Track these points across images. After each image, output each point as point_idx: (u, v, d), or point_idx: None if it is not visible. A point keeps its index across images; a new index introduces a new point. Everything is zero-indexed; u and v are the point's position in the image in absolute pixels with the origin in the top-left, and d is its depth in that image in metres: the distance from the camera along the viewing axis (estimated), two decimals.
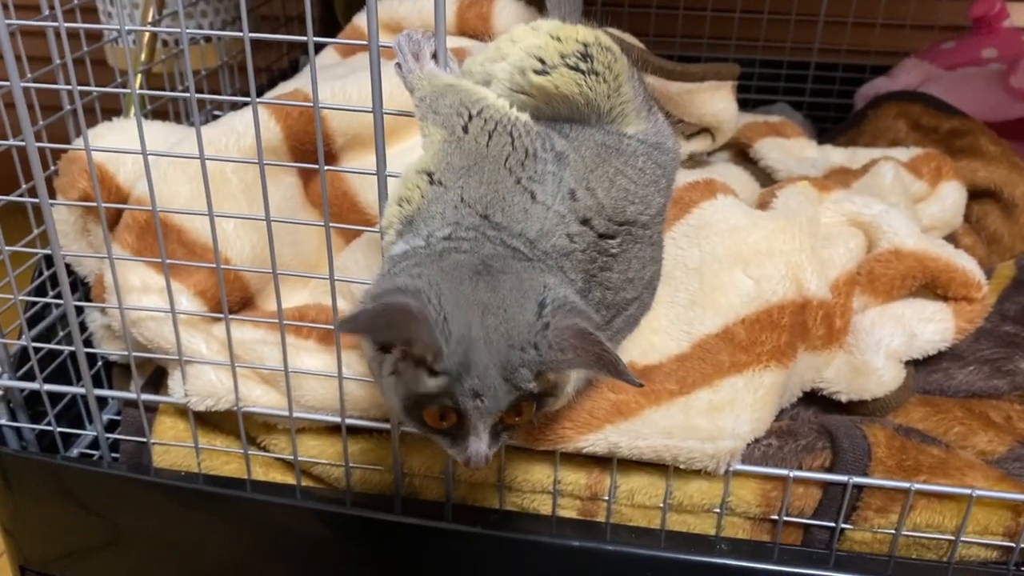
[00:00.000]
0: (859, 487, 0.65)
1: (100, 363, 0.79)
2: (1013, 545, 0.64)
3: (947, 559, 0.65)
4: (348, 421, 0.66)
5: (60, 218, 0.73)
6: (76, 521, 0.74)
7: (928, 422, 0.71)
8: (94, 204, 0.63)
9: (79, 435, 0.78)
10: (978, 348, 0.76)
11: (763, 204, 0.78)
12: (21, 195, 0.69)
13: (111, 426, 0.79)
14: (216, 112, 1.00)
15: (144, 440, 0.72)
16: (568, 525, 0.67)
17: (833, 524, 0.65)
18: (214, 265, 0.62)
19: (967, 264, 0.76)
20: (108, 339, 0.76)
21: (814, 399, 0.74)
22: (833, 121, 1.27)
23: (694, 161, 0.96)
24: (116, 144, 0.72)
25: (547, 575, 0.67)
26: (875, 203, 0.79)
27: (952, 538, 0.64)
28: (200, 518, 0.72)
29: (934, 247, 0.76)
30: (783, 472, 0.64)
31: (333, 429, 0.69)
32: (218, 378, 0.67)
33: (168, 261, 0.63)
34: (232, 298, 0.71)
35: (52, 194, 0.71)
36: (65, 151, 0.72)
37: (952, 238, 0.91)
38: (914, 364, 0.76)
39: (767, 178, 0.96)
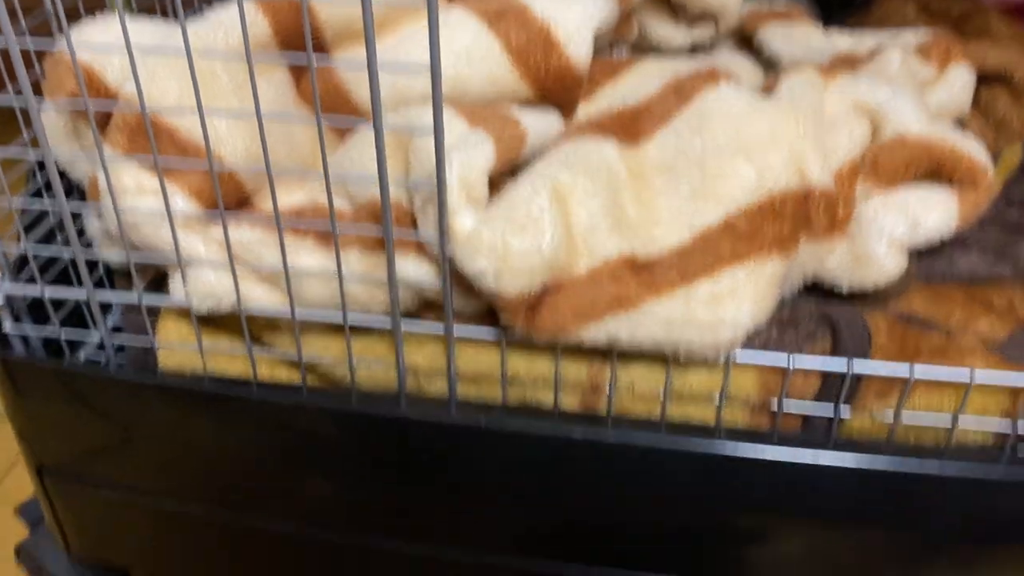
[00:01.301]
0: (859, 375, 0.65)
1: (102, 269, 0.79)
2: (1009, 432, 0.65)
3: (945, 443, 0.66)
4: (350, 319, 0.67)
5: (49, 122, 0.72)
6: (87, 424, 0.76)
7: (929, 309, 0.71)
8: (82, 108, 0.62)
9: (84, 342, 0.79)
10: (982, 234, 0.75)
11: (767, 92, 0.76)
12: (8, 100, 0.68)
13: (115, 332, 0.80)
14: (206, 5, 0.97)
15: (149, 344, 0.72)
16: (570, 417, 0.68)
17: (833, 410, 0.65)
18: (207, 164, 0.62)
19: (973, 150, 0.75)
20: (107, 244, 0.76)
21: (815, 288, 0.73)
22: (839, 6, 1.23)
23: (697, 49, 0.94)
24: (101, 43, 0.70)
25: (551, 466, 0.68)
26: (881, 89, 0.77)
27: (951, 422, 0.65)
28: (208, 418, 0.73)
29: (940, 132, 0.75)
30: (783, 360, 0.64)
31: (336, 328, 0.70)
32: (217, 279, 0.67)
33: (162, 159, 0.62)
34: (227, 199, 0.70)
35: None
36: (50, 52, 0.70)
37: (959, 123, 0.89)
38: (917, 251, 0.76)
39: (771, 66, 0.93)
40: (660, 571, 0.72)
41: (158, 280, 0.74)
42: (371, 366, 0.70)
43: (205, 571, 0.87)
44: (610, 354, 0.66)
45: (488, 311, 0.67)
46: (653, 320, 0.62)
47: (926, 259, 0.77)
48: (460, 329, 0.66)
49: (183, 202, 0.67)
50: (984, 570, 0.68)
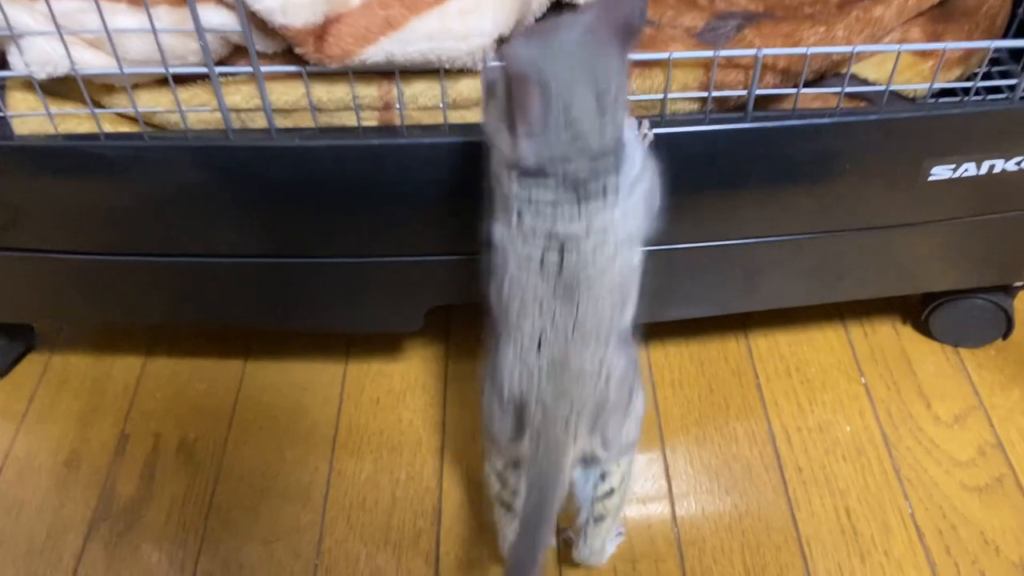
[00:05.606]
0: None
1: None
2: (707, 95, 0.84)
3: (660, 114, 0.85)
4: (172, 70, 0.80)
5: None
6: None
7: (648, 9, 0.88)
8: None
9: None
10: None
11: None
12: None
13: None
14: None
15: (1, 114, 0.84)
16: (371, 132, 0.84)
17: None
18: None
19: None
20: None
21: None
22: None
23: None
24: None
25: (361, 172, 0.85)
26: None
27: (661, 96, 0.83)
28: (60, 177, 0.86)
29: None
30: None
31: (162, 82, 0.83)
32: (51, 47, 0.78)
33: None
34: None
35: None
36: None
37: None
38: None
39: None
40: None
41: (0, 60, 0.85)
42: (199, 111, 0.84)
43: (100, 310, 1.03)
44: (393, 74, 0.81)
45: (289, 51, 0.81)
46: (417, 36, 0.77)
47: None
48: (267, 68, 0.80)
49: None
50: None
